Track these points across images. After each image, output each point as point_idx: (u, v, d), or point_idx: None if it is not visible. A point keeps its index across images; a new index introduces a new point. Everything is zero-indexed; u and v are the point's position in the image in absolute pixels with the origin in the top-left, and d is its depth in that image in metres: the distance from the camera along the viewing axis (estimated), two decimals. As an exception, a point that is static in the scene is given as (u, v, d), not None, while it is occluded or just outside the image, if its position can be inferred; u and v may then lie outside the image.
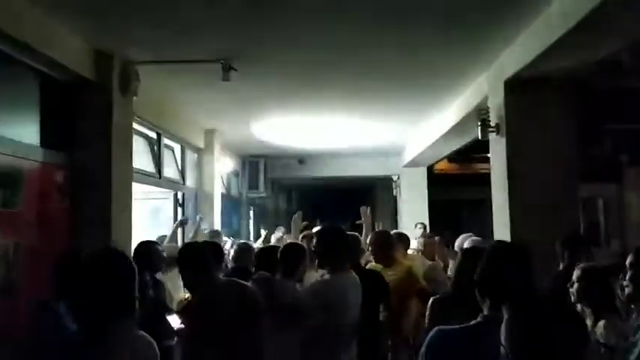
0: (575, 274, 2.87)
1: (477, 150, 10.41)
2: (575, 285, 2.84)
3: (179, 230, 6.68)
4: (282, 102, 6.53)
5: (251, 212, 11.89)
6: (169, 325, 3.75)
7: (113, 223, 4.39)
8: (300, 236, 5.03)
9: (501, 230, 4.90)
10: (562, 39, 3.60)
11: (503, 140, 4.84)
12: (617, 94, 6.22)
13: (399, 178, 11.60)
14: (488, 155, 13.42)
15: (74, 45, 4.23)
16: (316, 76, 5.44)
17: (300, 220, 5.50)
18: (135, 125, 5.89)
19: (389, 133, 8.69)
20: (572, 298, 2.83)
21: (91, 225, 4.31)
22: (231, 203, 10.40)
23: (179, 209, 7.50)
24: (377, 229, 6.15)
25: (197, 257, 3.23)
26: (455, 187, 13.98)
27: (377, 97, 6.34)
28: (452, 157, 10.93)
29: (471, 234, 5.52)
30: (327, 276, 3.67)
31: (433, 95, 6.25)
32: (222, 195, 9.12)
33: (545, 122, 4.76)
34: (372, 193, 15.54)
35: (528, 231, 4.54)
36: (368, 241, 5.22)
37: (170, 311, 3.90)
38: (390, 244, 4.92)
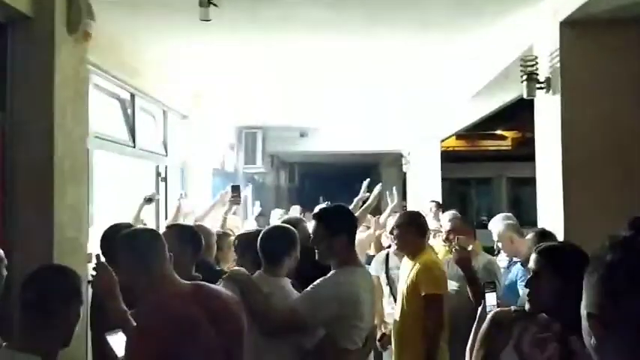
0: None
1: (483, 127, 9.69)
2: None
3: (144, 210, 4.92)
4: (279, 53, 5.44)
5: (248, 189, 10.95)
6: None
7: (56, 206, 3.37)
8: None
9: (550, 221, 3.78)
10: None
11: (557, 98, 3.77)
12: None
13: (409, 153, 10.62)
14: (497, 132, 12.42)
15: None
16: (319, 20, 4.39)
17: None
18: (102, 82, 4.91)
19: (400, 97, 7.49)
20: None
21: (25, 208, 3.31)
22: (225, 179, 9.48)
23: (161, 184, 6.52)
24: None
25: (134, 247, 2.02)
26: (462, 165, 13.38)
27: (388, 45, 5.13)
28: (460, 134, 10.03)
29: (509, 214, 4.38)
30: (332, 271, 2.75)
31: (458, 41, 4.90)
32: (215, 170, 8.20)
33: (617, 75, 3.69)
34: (380, 169, 14.66)
35: (589, 222, 3.43)
36: (391, 223, 4.19)
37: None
38: (424, 228, 3.77)
